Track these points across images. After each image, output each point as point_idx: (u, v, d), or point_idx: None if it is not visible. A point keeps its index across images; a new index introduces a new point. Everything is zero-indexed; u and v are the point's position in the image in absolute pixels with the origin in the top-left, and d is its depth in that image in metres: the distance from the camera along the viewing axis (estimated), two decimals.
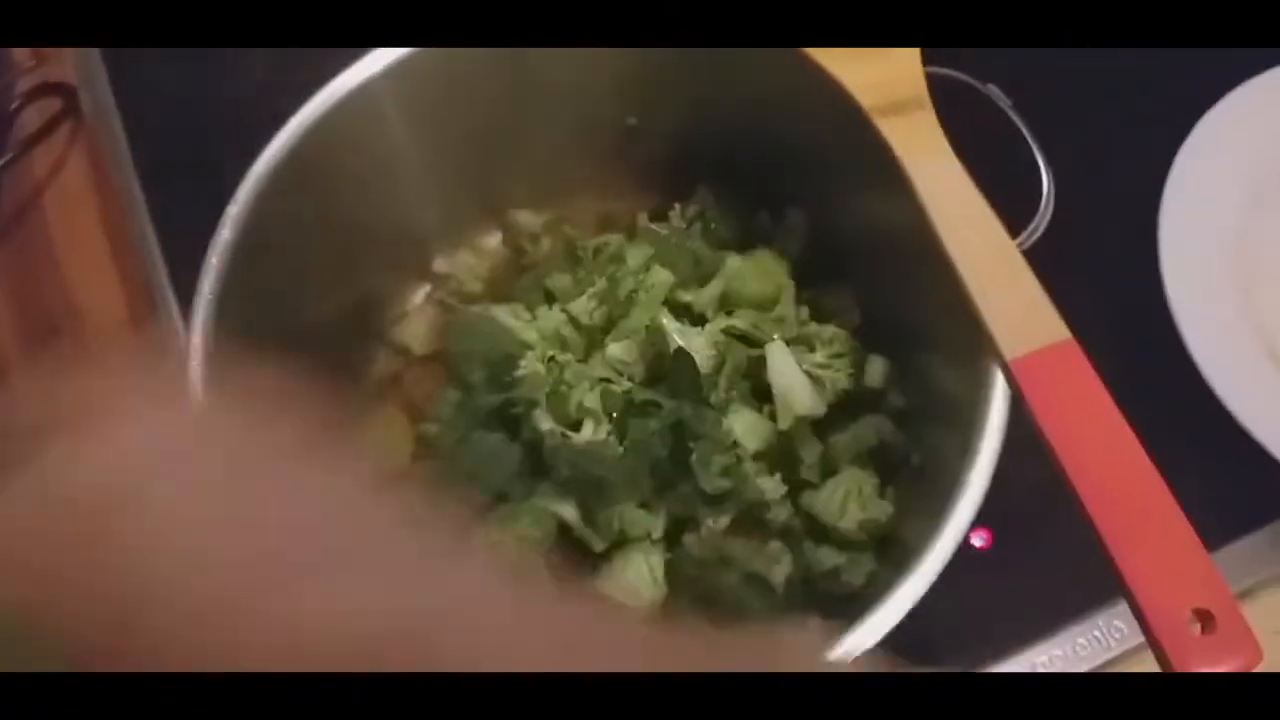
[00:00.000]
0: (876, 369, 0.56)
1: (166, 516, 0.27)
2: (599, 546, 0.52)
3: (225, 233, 0.46)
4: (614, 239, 0.59)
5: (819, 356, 0.55)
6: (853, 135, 0.52)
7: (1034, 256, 0.44)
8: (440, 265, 0.61)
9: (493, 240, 0.64)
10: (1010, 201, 0.46)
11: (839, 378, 0.55)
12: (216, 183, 0.65)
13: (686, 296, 0.55)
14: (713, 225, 0.59)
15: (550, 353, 0.53)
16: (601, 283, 0.54)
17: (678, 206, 0.61)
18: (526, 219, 0.63)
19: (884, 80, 0.46)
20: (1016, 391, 0.42)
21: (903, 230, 0.54)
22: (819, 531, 0.54)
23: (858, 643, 0.42)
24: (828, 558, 0.53)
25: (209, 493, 0.28)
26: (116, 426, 0.28)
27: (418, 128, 0.55)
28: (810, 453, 0.54)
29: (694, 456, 0.50)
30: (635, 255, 0.56)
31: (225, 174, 0.65)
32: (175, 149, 0.67)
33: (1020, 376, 0.42)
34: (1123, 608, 0.56)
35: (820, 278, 0.59)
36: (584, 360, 0.54)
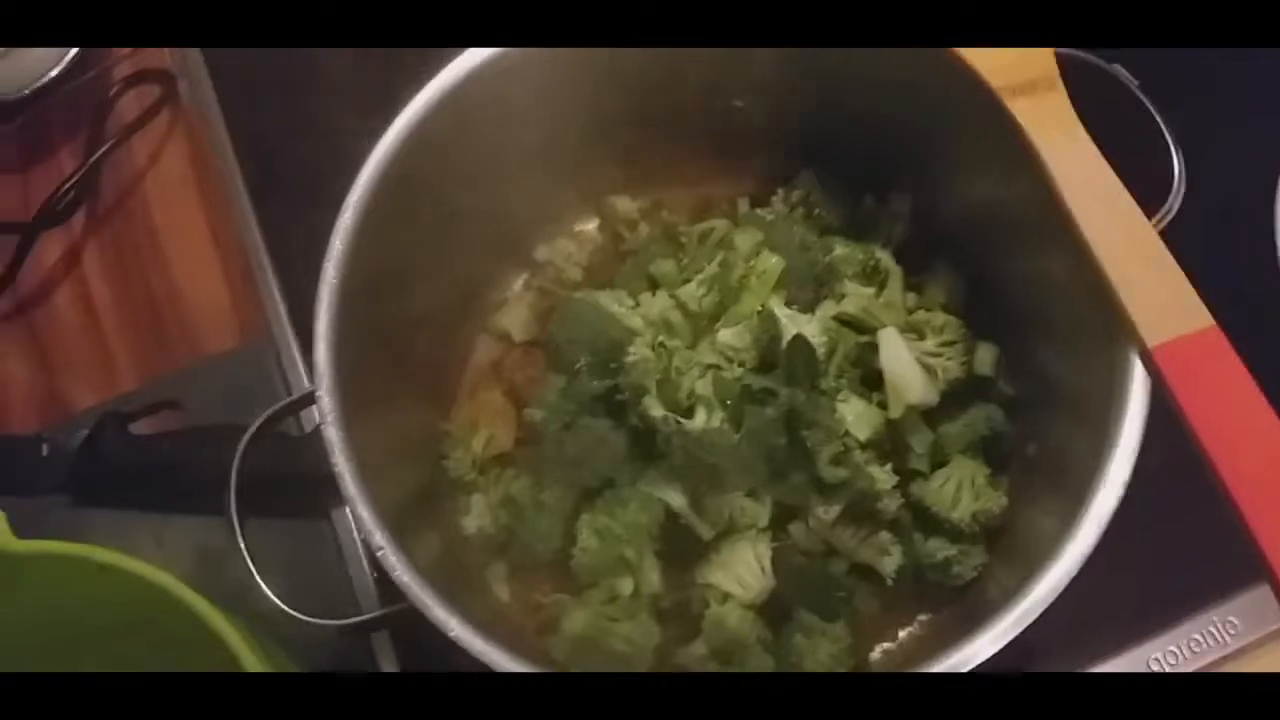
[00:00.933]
0: (986, 356, 0.55)
1: None
2: (708, 535, 0.51)
3: (348, 216, 0.46)
4: (719, 224, 0.58)
5: (929, 344, 0.54)
6: (961, 116, 0.51)
7: (1167, 240, 0.42)
8: (541, 253, 0.61)
9: (591, 227, 0.63)
10: (1141, 184, 0.44)
11: (951, 365, 0.53)
12: (315, 170, 0.66)
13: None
14: (817, 211, 0.58)
15: (660, 338, 0.52)
16: (712, 268, 0.54)
17: (780, 191, 0.60)
18: (624, 205, 0.62)
19: (1014, 60, 0.45)
20: (1157, 380, 0.41)
21: (1013, 214, 0.54)
22: (929, 522, 0.53)
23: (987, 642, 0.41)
24: (938, 549, 0.52)
25: None
26: None
27: (517, 116, 0.55)
28: (921, 442, 0.53)
29: (810, 444, 0.49)
30: (744, 240, 0.55)
31: (323, 162, 0.67)
32: (274, 135, 0.68)
33: (1164, 364, 0.40)
34: (1237, 603, 0.56)
35: (926, 263, 0.58)
36: (693, 346, 0.53)
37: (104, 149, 0.69)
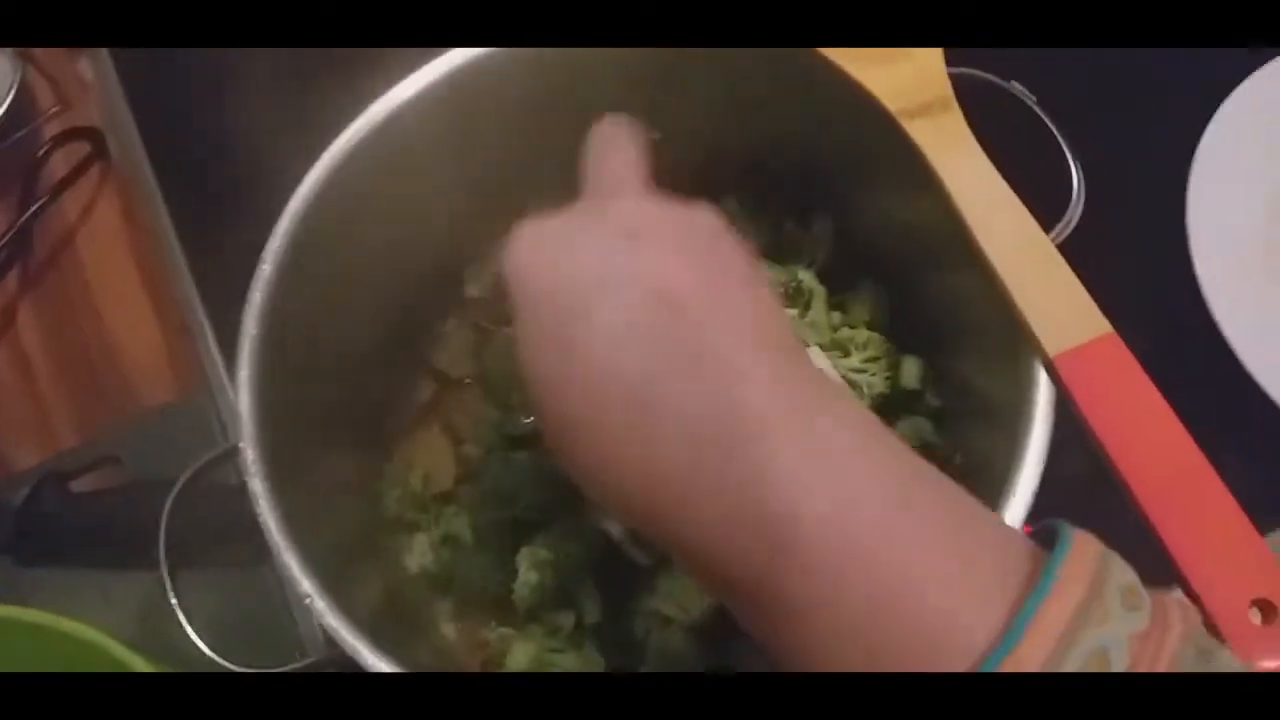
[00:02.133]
0: (912, 370, 0.56)
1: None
2: (646, 562, 0.52)
3: (266, 267, 0.46)
4: None
5: (854, 360, 0.55)
6: (873, 138, 0.52)
7: (1066, 251, 0.44)
8: (471, 290, 0.62)
9: None
10: (1040, 197, 0.46)
11: (875, 381, 0.55)
12: (249, 217, 0.66)
13: None
14: (741, 236, 0.59)
15: None
16: None
17: None
18: None
19: (909, 83, 0.46)
20: (1060, 388, 0.42)
21: (930, 230, 0.55)
22: None
23: None
24: None
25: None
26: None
27: (443, 153, 0.55)
28: None
29: None
30: None
31: (256, 208, 0.66)
32: (205, 186, 0.68)
33: (1064, 373, 0.42)
34: None
35: (849, 282, 0.59)
36: None
37: (35, 207, 0.69)
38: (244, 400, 0.44)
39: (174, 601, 0.45)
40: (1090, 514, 0.48)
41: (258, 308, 0.45)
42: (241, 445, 0.42)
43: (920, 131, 0.45)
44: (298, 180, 0.51)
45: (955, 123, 0.45)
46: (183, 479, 0.47)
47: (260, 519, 0.41)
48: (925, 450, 0.55)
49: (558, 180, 0.61)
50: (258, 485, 0.42)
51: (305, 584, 0.41)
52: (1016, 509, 0.42)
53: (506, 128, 0.56)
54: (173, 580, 0.46)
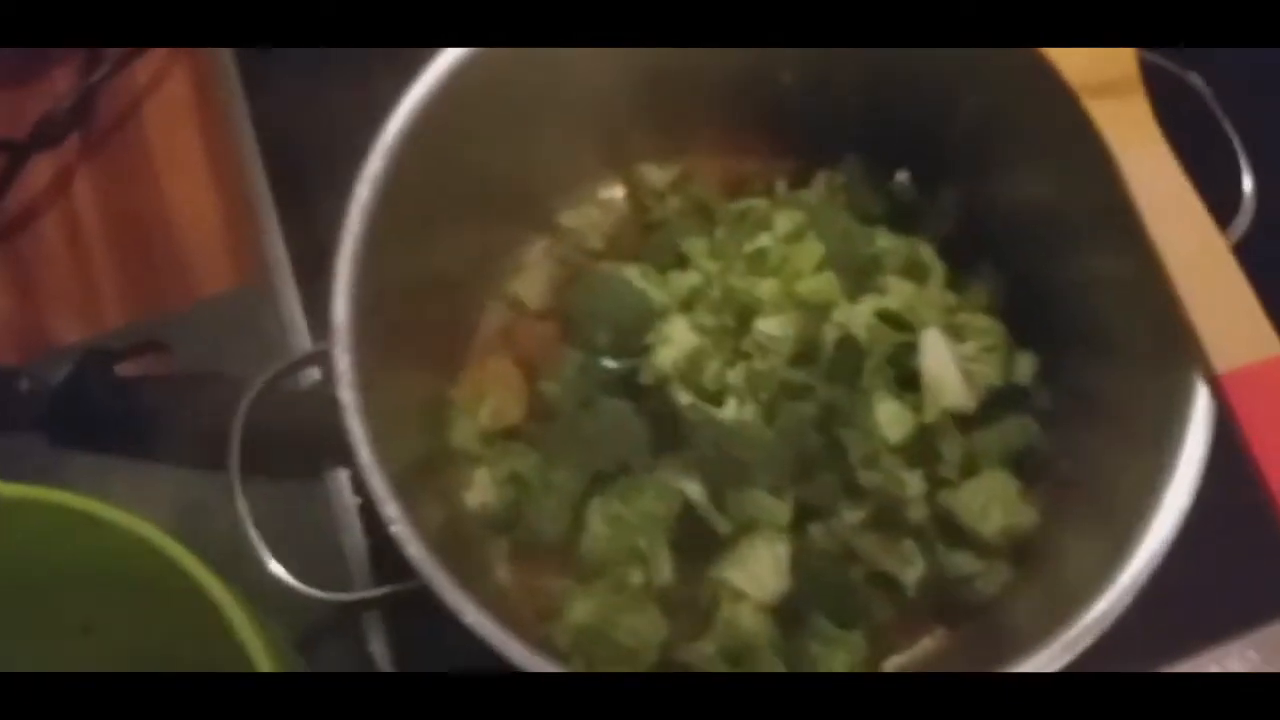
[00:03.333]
0: (1026, 365, 0.53)
1: None
2: (726, 530, 0.49)
3: (375, 163, 0.43)
4: (759, 203, 0.55)
5: (969, 348, 0.52)
6: (1023, 108, 0.49)
7: None
8: (565, 218, 0.58)
9: (615, 194, 0.60)
10: (1208, 200, 0.42)
11: (989, 372, 0.51)
12: (326, 111, 0.63)
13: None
14: (860, 197, 0.56)
15: (694, 321, 0.50)
16: (749, 248, 0.51)
17: (822, 174, 0.57)
18: (653, 174, 0.59)
19: (1095, 58, 0.42)
20: (1224, 406, 0.39)
21: (1065, 217, 0.51)
22: (955, 534, 0.51)
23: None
24: (963, 563, 0.50)
25: None
26: None
27: (546, 72, 0.51)
28: (952, 449, 0.51)
29: (845, 445, 0.47)
30: (785, 222, 0.52)
31: (335, 104, 0.63)
32: (285, 70, 0.64)
33: (1233, 392, 0.39)
34: (1257, 637, 0.55)
35: (970, 261, 0.55)
36: (725, 331, 0.50)
37: (104, 71, 0.64)
38: (339, 303, 0.40)
39: (244, 512, 0.41)
40: (1234, 543, 0.46)
41: (364, 203, 0.42)
42: (336, 352, 0.39)
43: (1103, 112, 0.41)
44: (392, 79, 0.47)
45: (1140, 107, 0.42)
46: (259, 382, 0.43)
47: (349, 435, 0.38)
48: (1029, 452, 0.52)
49: (653, 124, 0.58)
50: (348, 397, 0.38)
51: (390, 508, 0.38)
52: (1162, 532, 0.39)
53: (609, 67, 0.52)
54: (241, 484, 0.43)
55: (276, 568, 0.41)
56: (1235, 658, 0.53)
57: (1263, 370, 0.39)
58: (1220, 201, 0.46)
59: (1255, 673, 0.53)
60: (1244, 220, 0.45)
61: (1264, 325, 0.40)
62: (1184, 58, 0.49)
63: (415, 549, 0.37)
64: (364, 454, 0.38)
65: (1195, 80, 0.48)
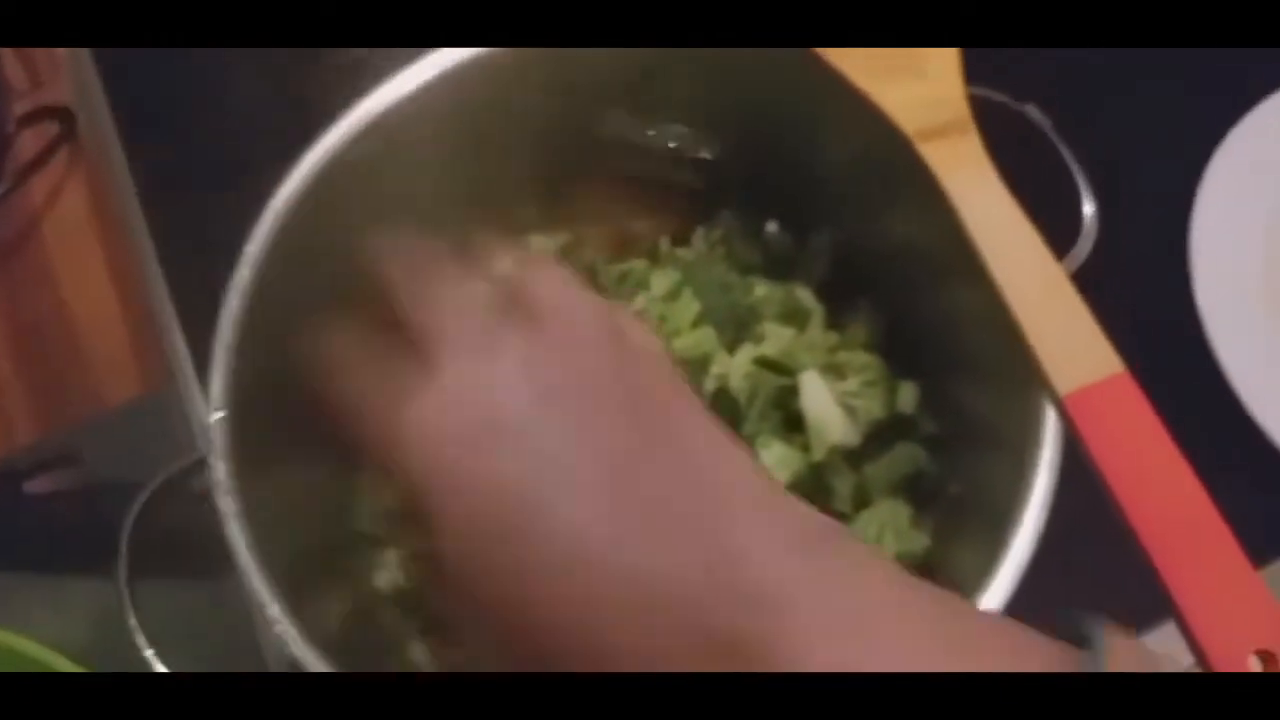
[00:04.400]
0: (908, 395, 0.54)
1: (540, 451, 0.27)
2: None
3: (244, 272, 0.44)
4: (637, 264, 0.57)
5: (851, 384, 0.53)
6: (879, 154, 0.51)
7: (1079, 283, 0.42)
8: None
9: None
10: (1052, 227, 0.44)
11: (872, 406, 0.53)
12: (223, 210, 0.63)
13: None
14: (737, 249, 0.57)
15: None
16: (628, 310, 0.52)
17: (700, 230, 0.59)
18: (542, 243, 0.61)
19: (925, 102, 0.44)
20: (1069, 426, 0.41)
21: (931, 250, 0.53)
22: None
23: None
24: None
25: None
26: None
27: (430, 155, 0.53)
28: (844, 484, 0.52)
29: None
30: (661, 281, 0.54)
31: (231, 202, 0.64)
32: (179, 175, 0.65)
33: (1075, 412, 0.40)
34: (1161, 634, 0.56)
35: (847, 301, 0.57)
36: None
37: (0, 191, 0.66)
38: (215, 411, 0.41)
39: (132, 622, 0.42)
40: (1091, 546, 0.47)
41: (234, 313, 0.43)
42: (212, 460, 0.40)
43: (935, 154, 0.43)
44: (278, 178, 0.48)
45: (972, 147, 0.44)
46: (148, 490, 0.44)
47: (230, 541, 0.39)
48: (918, 478, 0.53)
49: (538, 195, 0.60)
50: (228, 504, 0.39)
51: (273, 609, 0.38)
52: (1022, 547, 0.41)
53: (497, 130, 0.54)
54: (131, 592, 0.43)
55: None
56: None
57: (1103, 389, 0.41)
58: (1063, 227, 0.48)
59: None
60: (1087, 243, 0.48)
61: (1102, 345, 0.41)
62: (1021, 92, 0.51)
63: (296, 649, 0.38)
64: (243, 559, 0.39)
65: (1033, 113, 0.51)
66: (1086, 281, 0.43)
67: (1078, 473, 0.42)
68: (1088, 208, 0.48)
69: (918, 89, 0.44)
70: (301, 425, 0.51)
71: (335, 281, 0.52)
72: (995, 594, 0.40)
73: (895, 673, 0.26)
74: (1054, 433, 0.42)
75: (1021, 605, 0.40)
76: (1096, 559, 0.47)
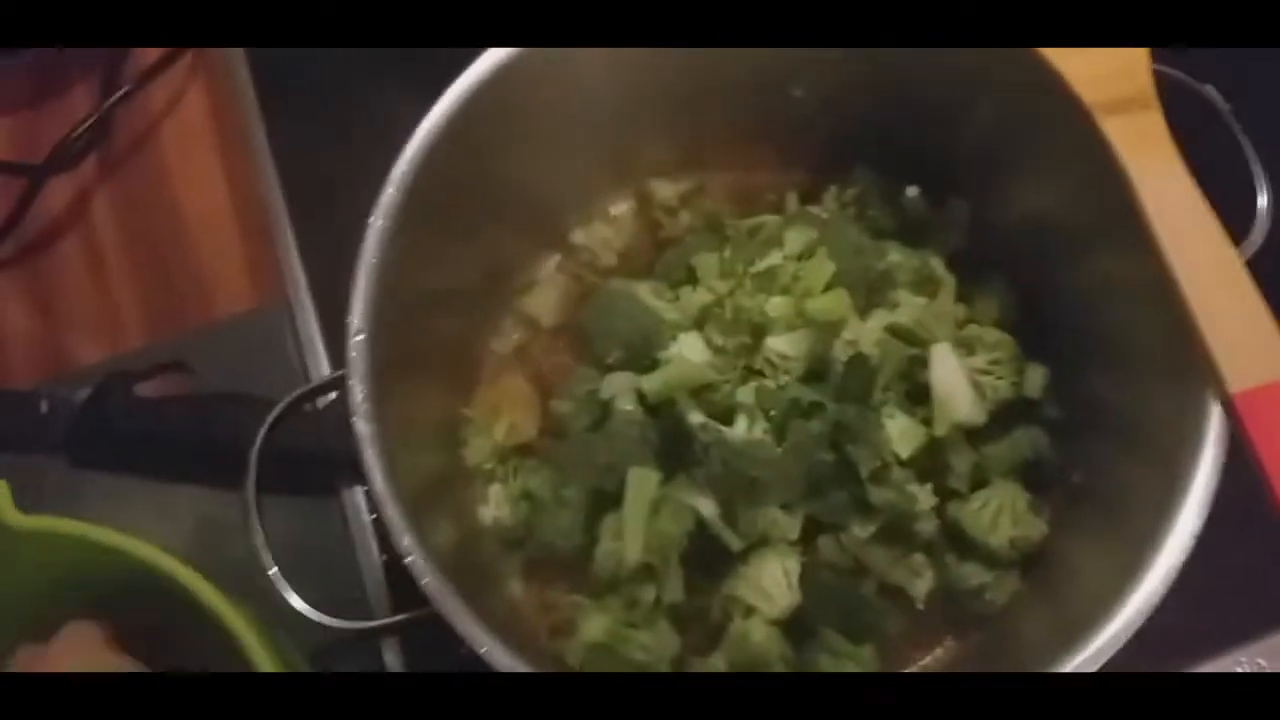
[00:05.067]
0: (1036, 379, 0.52)
1: None
2: (737, 546, 0.49)
3: (390, 191, 0.43)
4: (770, 220, 0.55)
5: (980, 361, 0.51)
6: (1035, 121, 0.49)
7: None
8: (577, 236, 0.58)
9: (626, 210, 0.60)
10: (1222, 215, 0.42)
11: (1001, 385, 0.51)
12: (343, 133, 0.63)
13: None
14: (871, 211, 0.56)
15: (706, 338, 0.50)
16: (760, 265, 0.51)
17: (833, 188, 0.57)
18: (664, 189, 0.59)
19: (1110, 75, 0.42)
20: (1237, 427, 0.39)
21: (1076, 230, 0.51)
22: (965, 546, 0.51)
23: None
24: (972, 574, 0.51)
25: None
26: None
27: (559, 91, 0.52)
28: (962, 462, 0.51)
29: (855, 462, 0.47)
30: (796, 239, 0.52)
31: (352, 125, 0.64)
32: (302, 93, 0.65)
33: (1245, 412, 0.38)
34: (1268, 644, 0.54)
35: (980, 274, 0.55)
36: (736, 349, 0.50)
37: (121, 92, 0.65)
38: (356, 335, 0.41)
39: (261, 541, 0.42)
40: (1240, 552, 0.45)
41: (379, 232, 0.42)
42: (351, 382, 0.39)
43: (1117, 129, 0.41)
44: (408, 104, 0.48)
45: (1156, 124, 0.42)
46: (276, 410, 0.44)
47: (365, 466, 0.38)
48: (1038, 464, 0.52)
49: (664, 139, 0.58)
50: (364, 428, 0.39)
51: (405, 540, 0.38)
52: (1174, 552, 0.39)
53: (621, 82, 0.53)
54: (257, 511, 0.43)
55: (293, 598, 0.41)
56: (1245, 665, 0.53)
57: (1278, 391, 0.39)
58: (1235, 217, 0.46)
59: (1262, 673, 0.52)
60: (1259, 236, 0.45)
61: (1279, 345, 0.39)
62: (1200, 71, 0.48)
63: (430, 580, 0.38)
64: (379, 485, 0.39)
65: (1212, 94, 0.48)
66: (1258, 276, 0.41)
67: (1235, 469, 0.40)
68: (1262, 198, 0.45)
69: (1103, 58, 0.42)
70: (422, 352, 0.51)
71: (461, 213, 0.51)
72: (1137, 608, 0.39)
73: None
74: (1217, 433, 0.40)
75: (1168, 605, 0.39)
76: (1244, 560, 0.46)
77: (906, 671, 0.52)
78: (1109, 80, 0.42)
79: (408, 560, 0.38)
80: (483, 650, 0.38)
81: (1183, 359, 0.41)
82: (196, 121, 0.66)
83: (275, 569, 0.41)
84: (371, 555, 0.56)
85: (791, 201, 0.58)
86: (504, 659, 0.38)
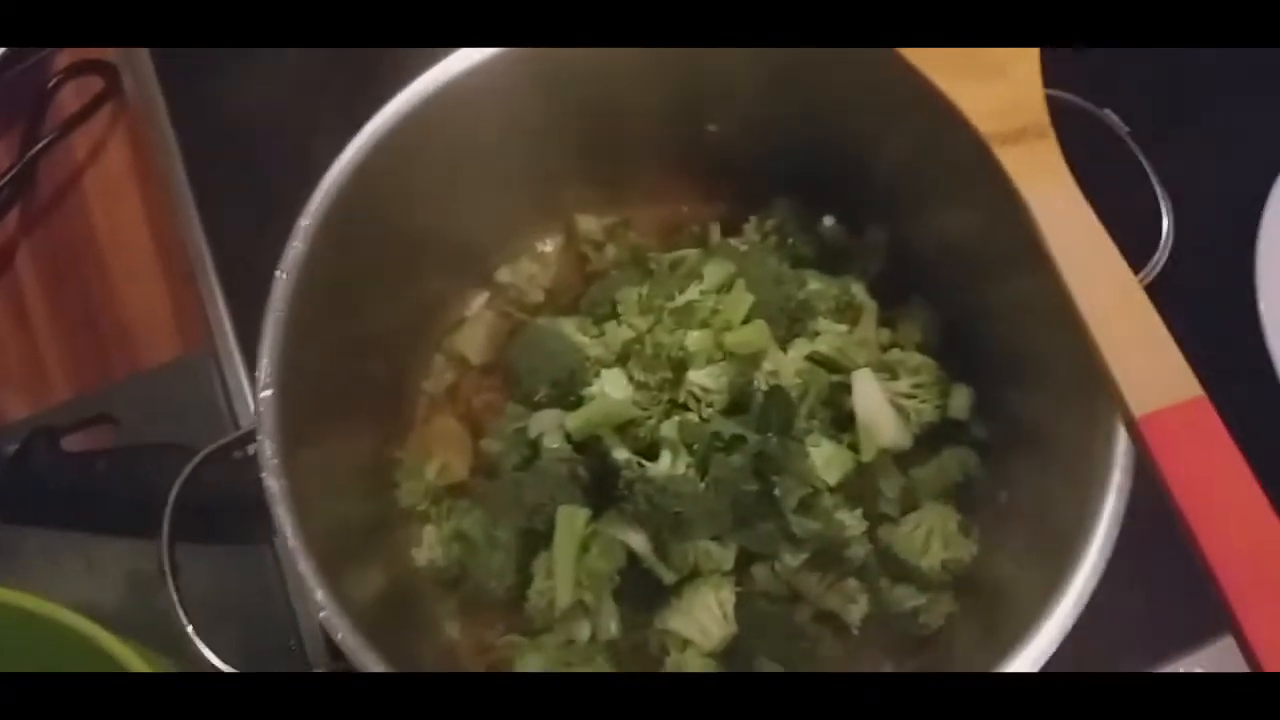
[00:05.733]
0: (961, 400, 0.53)
1: None
2: (670, 579, 0.49)
3: (307, 221, 0.43)
4: (690, 254, 0.55)
5: (903, 384, 0.52)
6: (943, 149, 0.49)
7: (1151, 296, 0.41)
8: (503, 274, 0.58)
9: (553, 247, 0.60)
10: (1125, 236, 0.43)
11: (925, 409, 0.52)
12: (264, 174, 0.63)
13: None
14: (790, 240, 0.56)
15: (629, 374, 0.50)
16: (679, 300, 0.51)
17: (753, 219, 0.57)
18: (589, 224, 0.60)
19: (1005, 105, 0.42)
20: (1141, 448, 0.39)
21: (991, 252, 0.52)
22: (897, 570, 0.51)
23: None
24: (906, 597, 0.51)
25: None
26: None
27: (483, 129, 0.52)
28: (891, 486, 0.52)
29: (779, 493, 0.47)
30: (715, 271, 0.52)
31: (273, 165, 0.63)
32: (222, 135, 0.64)
33: (1149, 435, 0.39)
34: (1200, 655, 0.55)
35: (900, 299, 0.56)
36: (659, 385, 0.51)
37: (42, 143, 0.65)
38: (265, 387, 0.41)
39: (174, 595, 0.41)
40: (1150, 558, 0.46)
41: (286, 289, 0.42)
42: (260, 437, 0.39)
43: (1013, 160, 0.42)
44: (328, 138, 0.47)
45: (1051, 153, 0.42)
46: (192, 463, 0.44)
47: (275, 521, 0.38)
48: (967, 484, 0.52)
49: (588, 175, 0.59)
50: (274, 484, 0.39)
51: (319, 595, 0.38)
52: (1090, 566, 0.40)
53: (543, 119, 0.53)
54: (171, 564, 0.43)
55: (210, 656, 0.41)
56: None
57: (1180, 413, 0.39)
58: (1139, 239, 0.47)
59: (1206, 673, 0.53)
60: (1162, 257, 0.46)
61: (1180, 367, 0.40)
62: (1099, 97, 0.49)
63: (344, 635, 0.37)
64: (291, 541, 0.38)
65: (1111, 118, 0.49)
66: (1161, 297, 0.42)
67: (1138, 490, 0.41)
68: (1165, 219, 0.46)
69: (997, 90, 0.43)
70: (348, 395, 0.51)
71: (386, 258, 0.51)
72: (1063, 610, 0.40)
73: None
74: (1124, 455, 0.40)
75: (1082, 621, 0.40)
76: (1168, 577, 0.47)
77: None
78: (1003, 113, 0.42)
79: (321, 616, 0.37)
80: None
81: (1091, 378, 0.42)
82: (119, 170, 0.66)
83: (190, 626, 0.41)
84: (305, 606, 0.55)
85: (715, 233, 0.58)
86: None
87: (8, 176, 0.63)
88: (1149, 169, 0.47)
